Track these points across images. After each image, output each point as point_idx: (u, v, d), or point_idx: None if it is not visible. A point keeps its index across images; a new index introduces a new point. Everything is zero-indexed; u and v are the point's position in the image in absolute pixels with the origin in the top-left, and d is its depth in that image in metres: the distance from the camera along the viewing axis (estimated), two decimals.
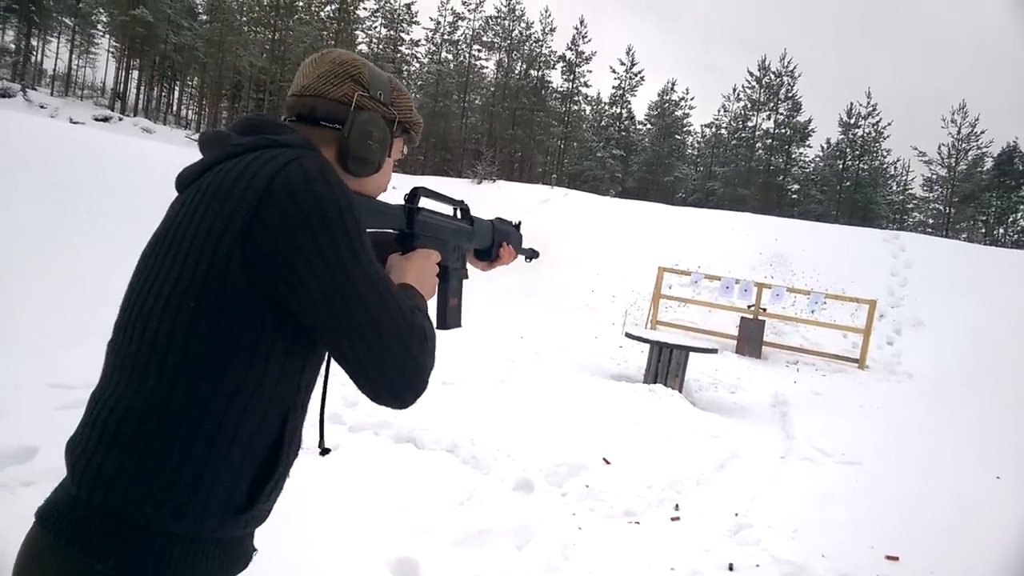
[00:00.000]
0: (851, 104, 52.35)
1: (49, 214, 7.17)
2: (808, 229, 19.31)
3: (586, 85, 54.52)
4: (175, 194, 1.14)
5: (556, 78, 53.98)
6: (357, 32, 52.01)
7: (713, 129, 58.14)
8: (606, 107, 56.17)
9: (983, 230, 51.77)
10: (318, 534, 3.13)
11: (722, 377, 9.65)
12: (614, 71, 53.84)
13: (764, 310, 12.70)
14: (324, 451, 1.30)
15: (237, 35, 49.88)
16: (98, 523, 0.95)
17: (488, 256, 1.67)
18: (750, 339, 12.04)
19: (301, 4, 49.88)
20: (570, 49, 52.33)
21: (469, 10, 52.85)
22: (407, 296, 1.16)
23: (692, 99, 59.87)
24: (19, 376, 4.39)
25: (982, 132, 48.72)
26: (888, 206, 53.53)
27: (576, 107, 55.44)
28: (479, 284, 11.64)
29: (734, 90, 55.19)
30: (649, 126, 56.85)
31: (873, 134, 51.75)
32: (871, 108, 51.30)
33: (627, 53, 53.82)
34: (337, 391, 5.44)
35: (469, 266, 1.69)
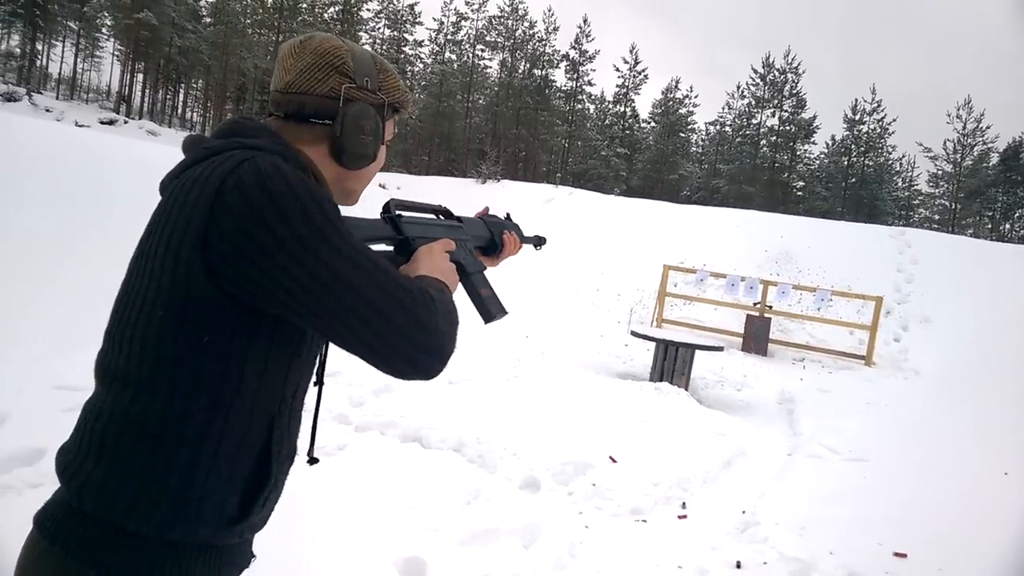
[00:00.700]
0: (856, 100, 52.24)
1: (55, 217, 7.19)
2: (813, 226, 19.25)
3: (590, 84, 54.40)
4: None
5: (560, 77, 53.92)
6: (361, 33, 52.05)
7: (717, 127, 58.03)
8: (610, 106, 56.12)
9: (989, 226, 51.56)
10: (325, 534, 3.14)
11: (728, 375, 9.63)
12: (618, 70, 53.82)
13: (770, 307, 12.67)
14: (312, 460, 1.27)
15: (241, 37, 49.95)
16: (90, 529, 0.95)
17: (493, 249, 1.64)
18: (756, 337, 12.01)
19: (305, 6, 49.95)
20: (573, 48, 52.30)
21: (472, 10, 52.87)
22: (423, 280, 1.14)
23: (696, 97, 59.96)
24: (25, 379, 4.40)
25: (988, 127, 48.54)
26: (894, 202, 53.35)
27: (580, 106, 55.37)
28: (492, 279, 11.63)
29: (738, 87, 55.32)
30: (653, 124, 56.77)
31: (878, 130, 51.59)
32: (876, 104, 51.17)
33: (631, 51, 53.76)
34: (343, 391, 5.45)
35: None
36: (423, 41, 55.00)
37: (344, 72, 1.14)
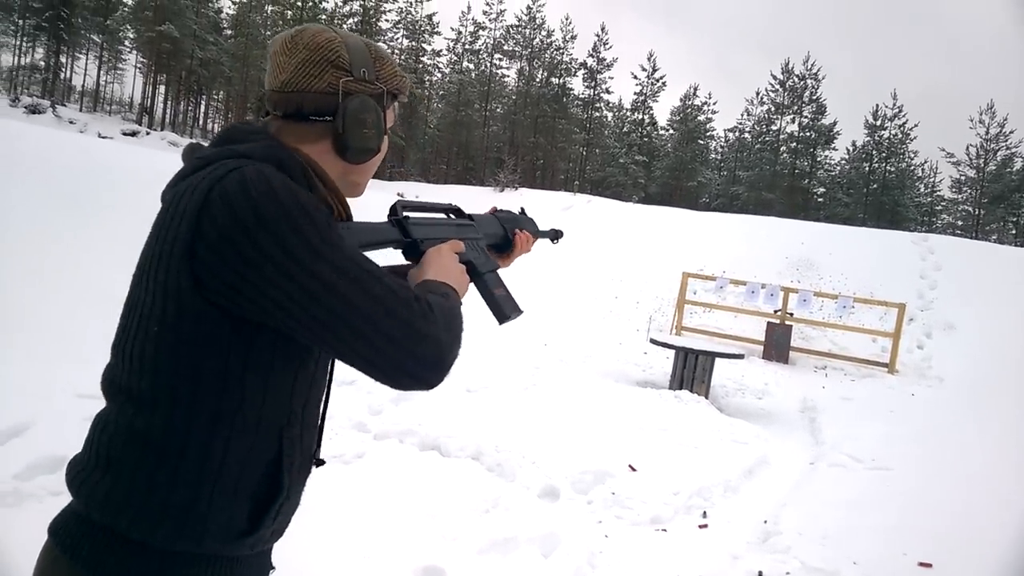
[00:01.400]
0: (877, 106, 51.89)
1: (81, 227, 7.27)
2: (835, 232, 19.10)
3: (608, 92, 54.49)
4: None
5: (577, 85, 54.06)
6: (380, 43, 52.37)
7: (736, 133, 57.84)
8: (628, 113, 56.09)
9: (1013, 231, 50.88)
10: (344, 542, 3.13)
11: (749, 383, 9.55)
12: (636, 77, 53.79)
13: (791, 315, 12.56)
14: (318, 463, 1.23)
15: (261, 49, 50.40)
16: (98, 538, 0.95)
17: (506, 247, 1.58)
18: (777, 344, 11.91)
19: (324, 17, 50.39)
20: (591, 56, 52.40)
21: (490, 19, 53.18)
22: (422, 286, 1.11)
23: (715, 103, 59.70)
24: (48, 387, 4.44)
25: (1011, 132, 48.01)
26: (916, 208, 52.85)
27: (598, 114, 55.45)
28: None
29: (757, 94, 54.75)
30: (672, 131, 56.66)
31: (900, 136, 51.18)
32: (897, 109, 50.77)
33: (648, 59, 53.76)
34: (362, 399, 5.46)
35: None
36: (441, 51, 55.43)
37: (340, 65, 1.10)
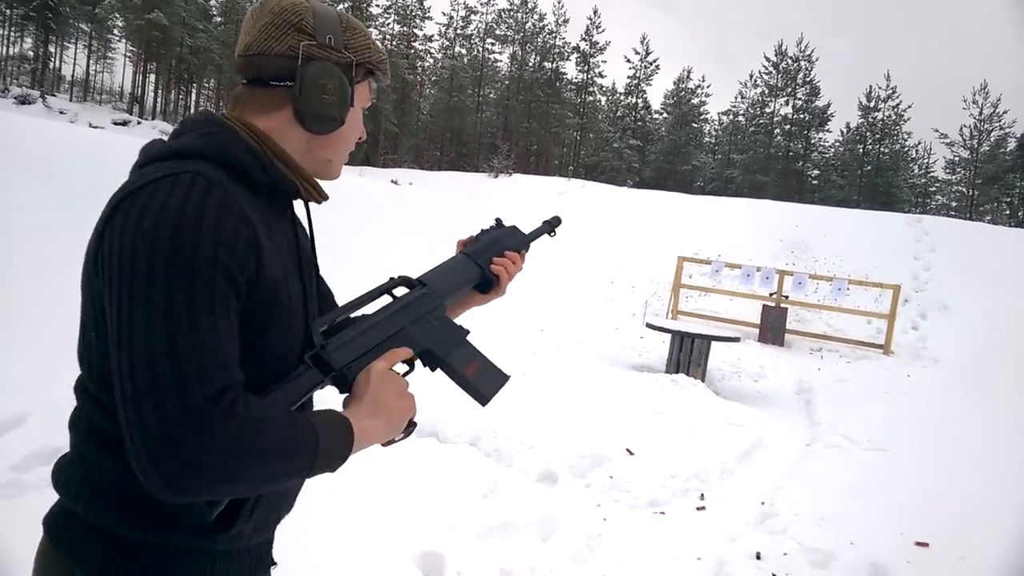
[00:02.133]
0: (870, 87, 51.89)
1: (73, 220, 7.23)
2: (829, 215, 19.11)
3: (601, 76, 54.31)
4: None
5: (571, 69, 53.86)
6: (371, 29, 52.08)
7: (730, 116, 57.74)
8: (621, 97, 55.92)
9: (1007, 212, 51.01)
10: (342, 529, 3.14)
11: (745, 366, 9.58)
12: (629, 61, 53.60)
13: (786, 297, 12.59)
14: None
15: None
16: (79, 528, 0.97)
17: (488, 285, 1.40)
18: (773, 327, 11.93)
19: None
20: (584, 40, 52.16)
21: (482, 4, 52.89)
22: (321, 418, 0.98)
23: (708, 87, 59.51)
24: (46, 378, 4.43)
25: (1005, 112, 48.04)
26: (910, 190, 52.93)
27: (591, 98, 55.30)
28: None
29: (751, 76, 54.72)
30: (665, 115, 56.54)
31: (893, 117, 51.23)
32: (891, 91, 50.73)
33: (641, 42, 53.55)
34: None
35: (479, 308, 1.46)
36: (433, 36, 55.09)
37: (302, 29, 1.05)
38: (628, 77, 54.49)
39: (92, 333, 0.96)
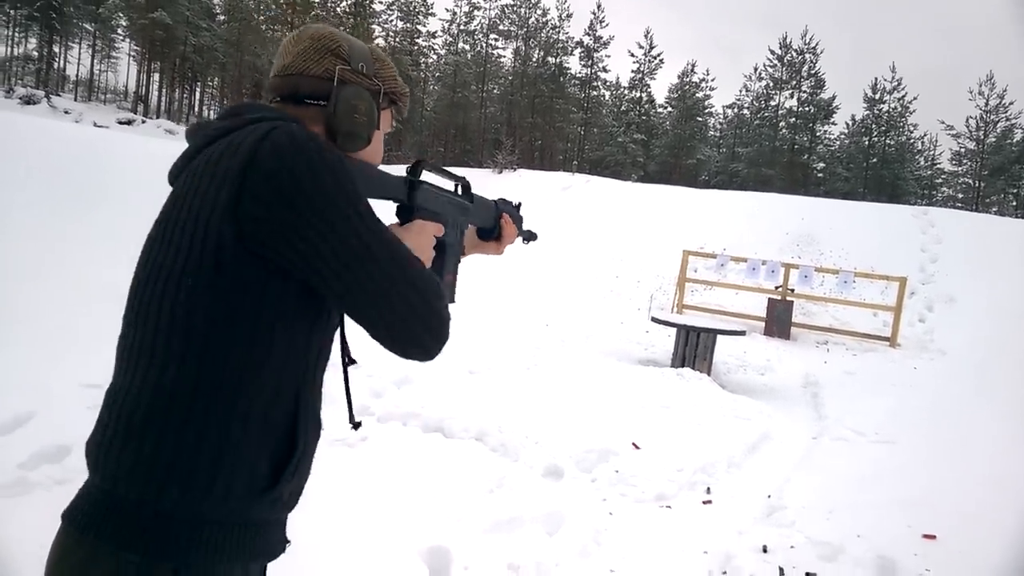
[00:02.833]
0: (875, 79, 51.51)
1: (79, 218, 7.26)
2: (835, 207, 19.05)
3: (605, 70, 54.09)
4: None
5: (574, 64, 53.63)
6: (374, 26, 52.09)
7: (735, 110, 57.50)
8: (625, 91, 55.73)
9: (1014, 203, 50.72)
10: (350, 524, 3.14)
11: (751, 359, 9.57)
12: (632, 55, 53.39)
13: (792, 291, 12.56)
14: (355, 425, 1.31)
15: (255, 34, 50.17)
16: (125, 512, 0.95)
17: (492, 234, 1.65)
18: (778, 320, 11.91)
19: (317, 0, 50.03)
20: (587, 34, 51.98)
21: None
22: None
23: (713, 80, 59.30)
24: (52, 377, 4.45)
25: (1011, 103, 47.65)
26: (916, 182, 52.65)
27: (595, 93, 55.08)
28: (502, 271, 11.62)
29: (755, 69, 54.42)
30: (670, 109, 56.34)
31: (899, 109, 50.88)
32: (896, 82, 50.44)
33: (645, 36, 53.36)
34: (364, 383, 5.46)
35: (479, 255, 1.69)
36: (436, 32, 54.98)
37: (339, 55, 1.16)
38: (632, 71, 54.30)
39: (189, 281, 0.98)
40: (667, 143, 54.28)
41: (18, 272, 6.00)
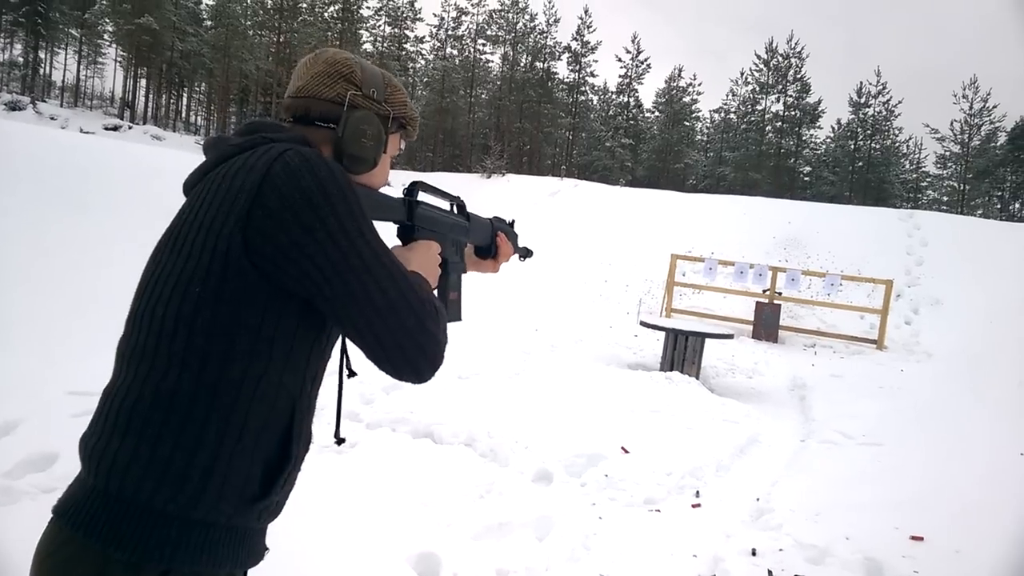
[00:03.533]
0: (860, 83, 51.87)
1: (65, 224, 7.22)
2: (821, 211, 19.16)
3: (592, 75, 54.18)
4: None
5: (562, 69, 53.72)
6: (361, 31, 52.06)
7: (722, 114, 57.75)
8: (613, 96, 55.87)
9: (999, 206, 51.17)
10: (338, 530, 3.13)
11: (739, 363, 9.60)
12: (620, 60, 53.53)
13: (779, 294, 12.62)
14: (339, 440, 1.33)
15: (242, 39, 50.03)
16: (116, 510, 0.96)
17: (488, 253, 1.69)
18: (766, 324, 11.97)
19: (305, 6, 49.96)
20: (575, 39, 52.10)
21: (472, 4, 52.74)
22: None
23: (700, 85, 59.55)
24: (38, 384, 4.42)
25: (994, 107, 48.07)
26: (902, 185, 52.99)
27: (583, 97, 55.19)
28: (491, 277, 11.62)
29: (742, 74, 54.79)
30: (657, 114, 56.54)
31: (884, 113, 51.25)
32: (881, 86, 50.81)
33: (632, 41, 53.50)
34: (354, 389, 5.45)
35: (474, 273, 1.71)
36: (424, 37, 54.98)
37: (351, 80, 1.20)
38: (620, 76, 54.40)
39: (197, 289, 1.00)
40: (655, 147, 54.46)
41: (4, 278, 5.96)
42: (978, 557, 3.66)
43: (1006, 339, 11.07)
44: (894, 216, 18.13)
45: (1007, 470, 5.28)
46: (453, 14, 53.62)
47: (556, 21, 52.13)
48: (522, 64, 52.69)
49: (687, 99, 54.86)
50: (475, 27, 53.45)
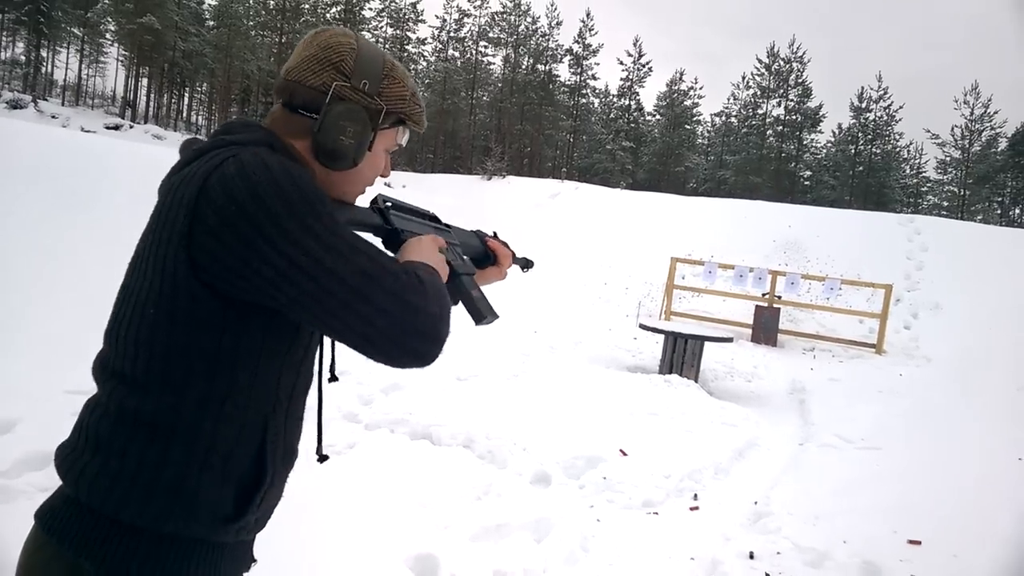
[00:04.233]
0: (862, 88, 51.93)
1: (64, 223, 7.21)
2: (822, 215, 19.17)
3: (594, 78, 54.21)
4: None
5: (564, 72, 53.76)
6: (364, 32, 52.07)
7: (723, 118, 57.78)
8: (614, 99, 55.92)
9: (999, 211, 51.21)
10: (336, 532, 3.13)
11: (738, 366, 9.60)
12: (621, 63, 53.58)
13: (779, 298, 12.62)
14: (322, 458, 1.28)
15: (244, 40, 50.04)
16: (86, 520, 0.96)
17: (487, 260, 1.60)
18: (765, 327, 11.96)
19: (307, 7, 49.99)
20: (577, 42, 52.14)
21: (475, 6, 52.79)
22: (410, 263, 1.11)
23: (701, 88, 59.58)
24: (35, 384, 4.41)
25: (995, 112, 48.14)
26: (902, 190, 53.04)
27: (584, 100, 55.23)
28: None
29: (743, 78, 54.77)
30: (658, 117, 56.58)
31: (885, 118, 51.29)
32: (882, 92, 50.86)
33: (634, 44, 53.56)
34: (352, 390, 5.45)
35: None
36: (426, 39, 54.99)
37: (340, 69, 1.11)
38: (621, 79, 54.48)
39: (151, 311, 0.97)
40: (655, 151, 54.48)
41: (4, 277, 5.95)
42: (976, 561, 3.67)
43: (1005, 344, 11.07)
44: (894, 221, 18.14)
45: (1005, 475, 5.28)
46: (455, 16, 53.69)
47: (558, 24, 52.19)
48: (524, 66, 52.74)
49: (688, 103, 54.92)
50: (477, 29, 53.52)
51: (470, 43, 54.08)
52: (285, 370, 1.06)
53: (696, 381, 7.90)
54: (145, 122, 44.72)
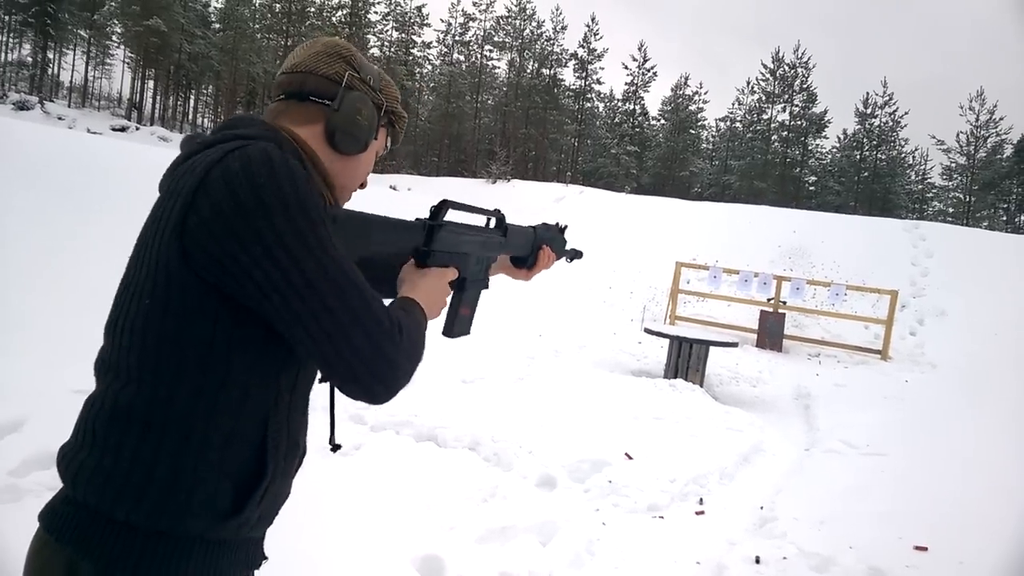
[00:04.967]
0: (867, 94, 51.97)
1: (72, 223, 7.23)
2: (827, 221, 19.15)
3: (599, 82, 54.37)
4: None
5: (568, 76, 53.92)
6: (369, 36, 52.20)
7: (728, 123, 57.87)
8: (619, 104, 56.00)
9: (1004, 218, 51.12)
10: (342, 533, 3.13)
11: (743, 371, 9.58)
12: (627, 67, 53.67)
13: (784, 303, 12.60)
14: (335, 447, 1.27)
15: (250, 42, 50.26)
16: (84, 518, 0.96)
17: (525, 262, 1.64)
18: (770, 332, 11.94)
19: (313, 10, 50.15)
20: (582, 46, 52.24)
21: (480, 11, 53.00)
22: (403, 304, 1.14)
23: (706, 93, 59.62)
24: (43, 383, 4.42)
25: (1001, 119, 48.16)
26: (907, 196, 53.02)
27: (589, 104, 55.38)
28: (495, 281, 11.62)
29: (748, 83, 54.89)
30: (663, 121, 56.65)
31: (890, 123, 51.30)
32: (888, 97, 50.85)
33: (639, 49, 53.65)
34: None
35: (503, 277, 1.68)
36: (431, 43, 55.19)
37: (350, 63, 1.18)
38: (626, 84, 54.59)
39: (147, 301, 0.97)
40: (660, 155, 54.56)
41: (9, 278, 5.97)
42: (981, 568, 3.65)
43: (1011, 350, 11.04)
44: (899, 227, 18.11)
45: (1011, 481, 5.26)
46: (460, 20, 53.92)
47: (563, 28, 52.38)
48: (529, 70, 52.90)
49: (693, 107, 55.01)
50: (482, 33, 53.69)
51: (475, 47, 54.28)
52: (288, 364, 1.05)
53: (701, 386, 7.88)
54: (151, 124, 44.88)
